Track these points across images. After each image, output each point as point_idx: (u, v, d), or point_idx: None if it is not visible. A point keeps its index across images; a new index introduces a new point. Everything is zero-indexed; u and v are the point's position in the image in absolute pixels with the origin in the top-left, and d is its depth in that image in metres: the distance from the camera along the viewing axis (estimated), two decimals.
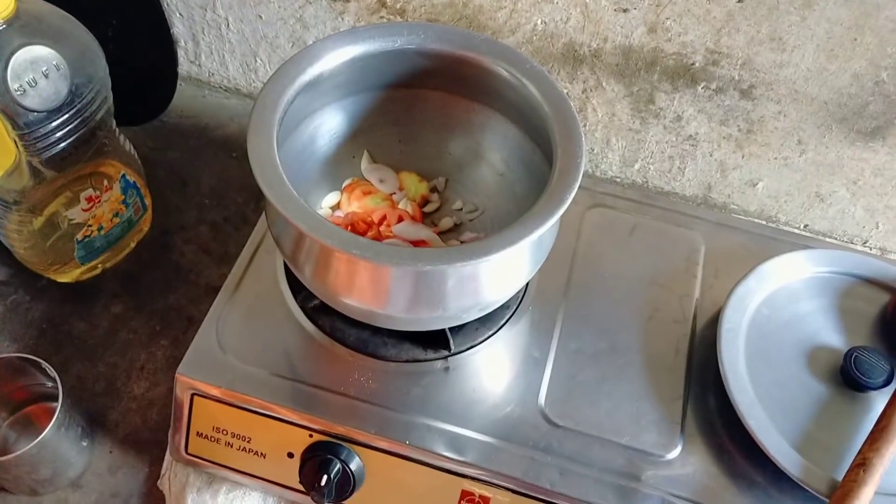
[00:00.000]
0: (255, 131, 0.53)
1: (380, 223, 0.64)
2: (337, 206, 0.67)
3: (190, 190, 0.83)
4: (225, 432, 0.60)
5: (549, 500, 0.56)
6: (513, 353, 0.64)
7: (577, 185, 0.53)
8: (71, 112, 0.62)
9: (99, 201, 0.70)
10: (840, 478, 0.54)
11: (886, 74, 0.67)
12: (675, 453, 0.58)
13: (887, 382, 0.59)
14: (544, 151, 0.59)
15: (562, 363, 0.63)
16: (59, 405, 0.60)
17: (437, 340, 0.61)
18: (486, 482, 0.57)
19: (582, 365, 0.63)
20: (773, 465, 0.56)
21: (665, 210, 0.74)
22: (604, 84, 0.76)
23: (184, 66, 0.89)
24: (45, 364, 0.61)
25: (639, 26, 0.70)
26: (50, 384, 0.64)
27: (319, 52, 0.58)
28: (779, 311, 0.64)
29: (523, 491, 0.56)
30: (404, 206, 0.67)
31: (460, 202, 0.69)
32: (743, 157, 0.78)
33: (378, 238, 0.63)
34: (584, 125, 0.80)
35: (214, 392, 0.59)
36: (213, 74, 0.89)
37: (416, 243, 0.64)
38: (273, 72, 0.57)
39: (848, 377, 0.60)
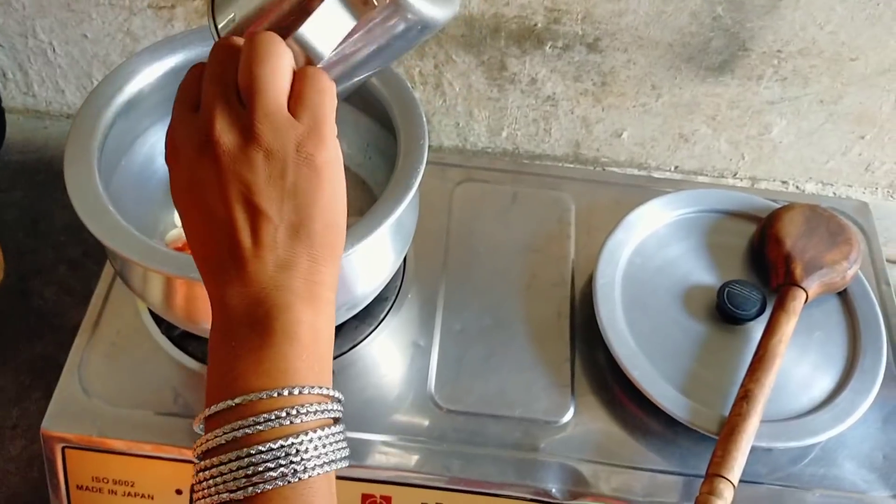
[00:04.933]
0: (71, 162, 0.49)
1: None
2: None
3: (43, 229, 0.78)
4: (106, 480, 0.57)
5: (451, 487, 0.55)
6: (398, 345, 0.62)
7: (423, 167, 0.52)
8: None
9: None
10: (727, 413, 0.55)
11: (721, 8, 0.68)
12: (568, 416, 0.58)
13: (761, 312, 0.60)
14: (396, 136, 0.57)
15: (447, 347, 0.61)
16: None
17: None
18: (384, 482, 0.55)
19: (467, 345, 0.62)
20: (663, 412, 0.56)
21: (535, 175, 0.74)
22: (454, 57, 0.74)
23: (17, 99, 0.83)
24: None
25: None
26: None
27: (135, 69, 0.55)
28: (650, 258, 0.64)
29: (423, 483, 0.55)
30: None
31: None
32: (603, 109, 0.78)
33: None
34: (444, 100, 0.78)
35: (85, 441, 0.55)
36: (50, 103, 0.84)
37: None
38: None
39: (723, 312, 0.61)
